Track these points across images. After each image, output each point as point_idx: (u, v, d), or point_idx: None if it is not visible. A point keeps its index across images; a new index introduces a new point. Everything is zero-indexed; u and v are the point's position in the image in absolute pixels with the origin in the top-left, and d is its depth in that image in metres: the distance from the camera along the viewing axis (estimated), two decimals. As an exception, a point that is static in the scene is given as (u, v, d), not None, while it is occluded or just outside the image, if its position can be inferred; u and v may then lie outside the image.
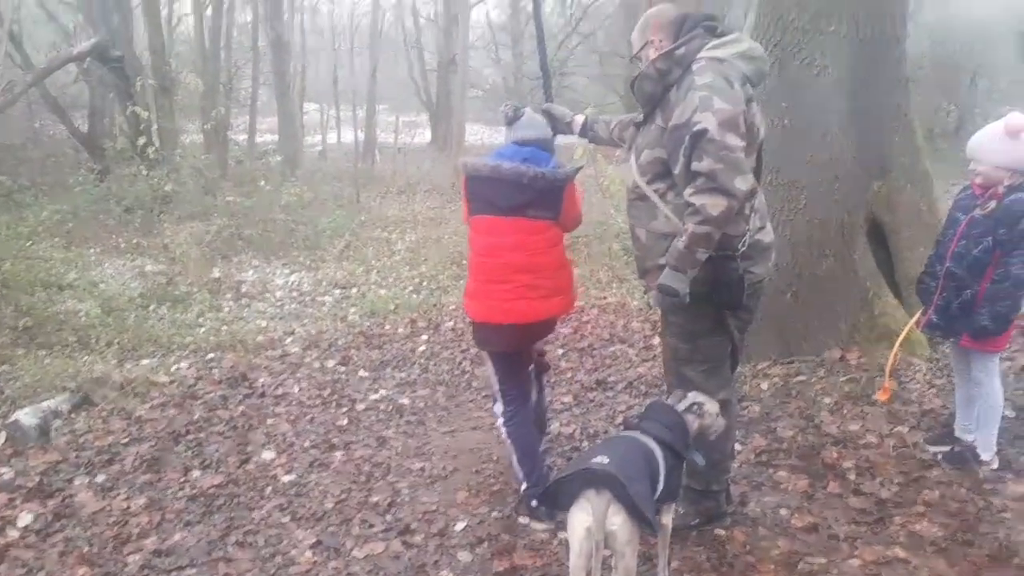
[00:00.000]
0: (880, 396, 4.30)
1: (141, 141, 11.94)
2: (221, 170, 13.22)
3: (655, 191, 2.94)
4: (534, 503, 3.39)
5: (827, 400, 4.39)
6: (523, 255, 3.22)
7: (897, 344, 4.22)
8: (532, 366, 3.62)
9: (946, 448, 3.78)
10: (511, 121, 3.36)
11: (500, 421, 3.53)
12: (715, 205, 2.65)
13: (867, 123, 4.86)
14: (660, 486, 2.74)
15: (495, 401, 3.57)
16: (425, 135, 25.54)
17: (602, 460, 2.54)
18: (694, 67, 2.80)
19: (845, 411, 4.25)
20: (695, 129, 2.67)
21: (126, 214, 11.25)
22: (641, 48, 3.03)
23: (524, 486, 3.47)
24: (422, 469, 4.04)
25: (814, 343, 4.88)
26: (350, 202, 13.04)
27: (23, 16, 15.18)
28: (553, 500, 2.65)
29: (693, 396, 2.96)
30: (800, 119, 4.74)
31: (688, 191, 2.72)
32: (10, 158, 13.12)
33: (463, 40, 18.23)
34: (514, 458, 3.50)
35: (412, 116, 26.87)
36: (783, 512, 3.37)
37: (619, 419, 4.51)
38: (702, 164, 2.66)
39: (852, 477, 3.62)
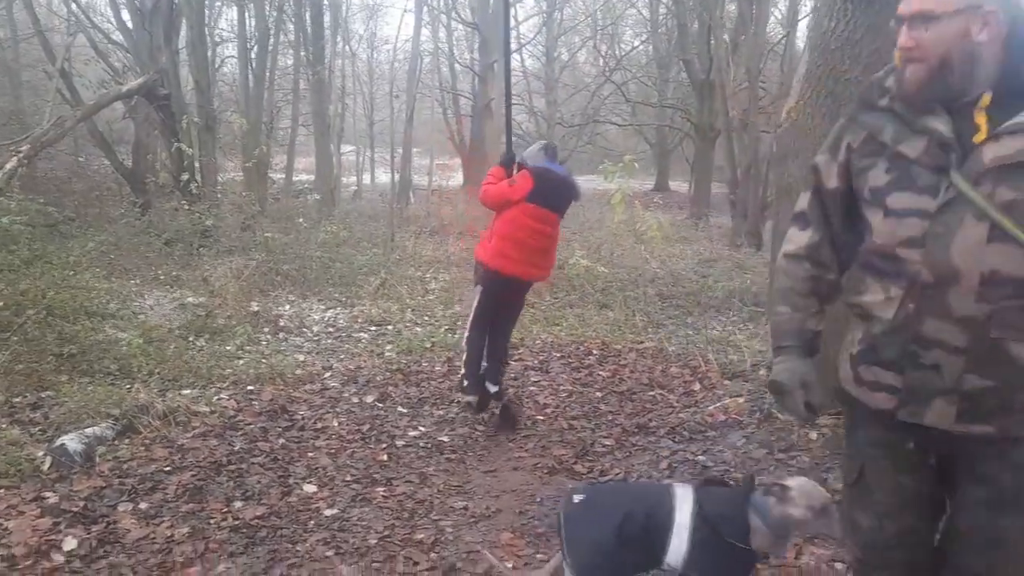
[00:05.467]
0: None
1: (184, 177, 12.26)
2: (260, 207, 13.43)
3: None
4: (465, 384, 5.02)
5: (878, 452, 4.28)
6: (549, 242, 4.81)
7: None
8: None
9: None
10: (549, 153, 4.90)
11: (464, 340, 5.08)
12: None
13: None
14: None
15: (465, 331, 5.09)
16: (458, 178, 25.82)
17: None
18: None
19: (897, 464, 4.14)
20: None
21: (166, 247, 11.43)
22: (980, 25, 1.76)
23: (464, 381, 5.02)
24: (465, 508, 4.00)
25: (862, 393, 4.79)
26: (384, 241, 13.13)
27: (74, 54, 15.65)
28: None
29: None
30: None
31: None
32: (55, 190, 13.41)
33: (498, 88, 18.49)
34: (463, 358, 5.03)
35: (446, 159, 27.24)
36: (839, 567, 3.28)
37: (663, 464, 4.45)
38: None
39: (908, 531, 3.52)
